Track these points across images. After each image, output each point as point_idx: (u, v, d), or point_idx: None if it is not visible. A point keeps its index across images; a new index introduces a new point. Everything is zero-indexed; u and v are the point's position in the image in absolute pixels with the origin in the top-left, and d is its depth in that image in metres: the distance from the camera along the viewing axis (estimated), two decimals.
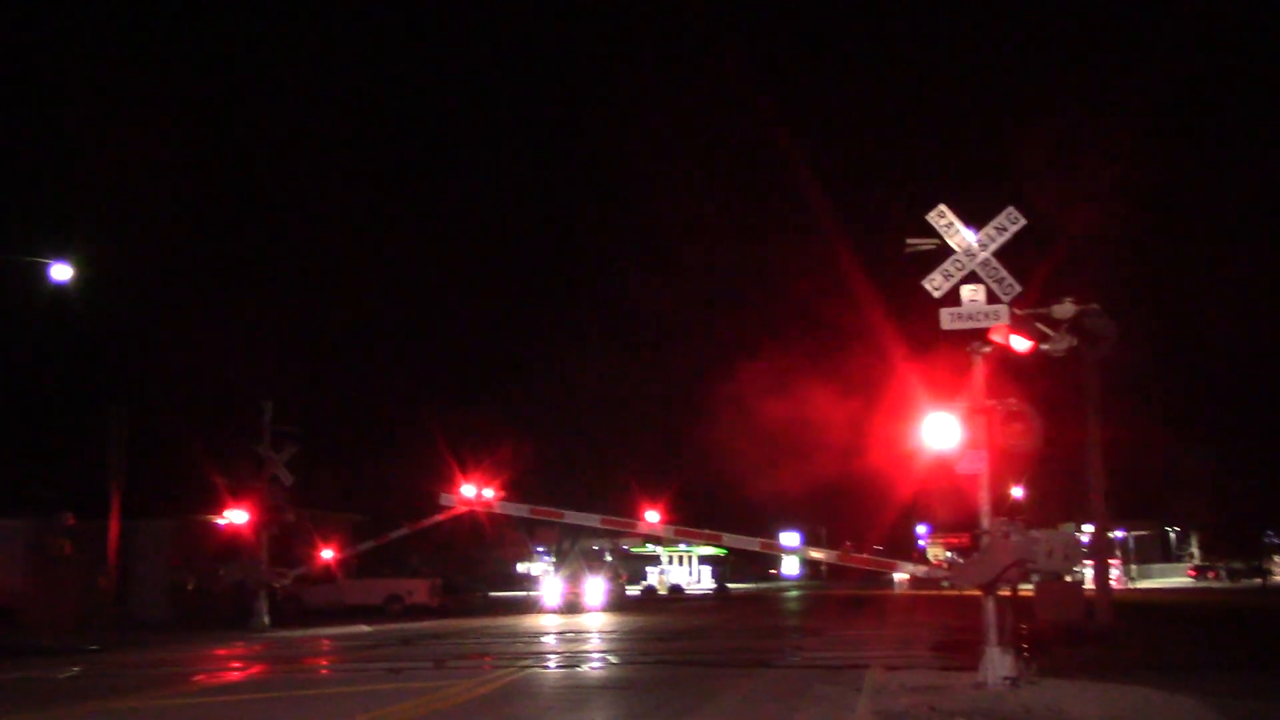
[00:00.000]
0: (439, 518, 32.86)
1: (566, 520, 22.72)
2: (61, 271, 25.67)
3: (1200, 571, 71.78)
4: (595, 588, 39.72)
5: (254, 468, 32.34)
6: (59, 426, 44.10)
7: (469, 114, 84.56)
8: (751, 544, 23.71)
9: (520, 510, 23.61)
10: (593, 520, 22.84)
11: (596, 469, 63.66)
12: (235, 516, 32.18)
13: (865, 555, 23.79)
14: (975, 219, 14.70)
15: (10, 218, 50.49)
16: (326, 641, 27.02)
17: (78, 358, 46.59)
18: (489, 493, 35.42)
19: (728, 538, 20.92)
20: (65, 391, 45.70)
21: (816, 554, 25.18)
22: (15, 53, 62.44)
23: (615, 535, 70.09)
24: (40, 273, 25.88)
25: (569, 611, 37.95)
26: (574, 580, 41.04)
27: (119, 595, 34.11)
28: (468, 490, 25.61)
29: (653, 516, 29.63)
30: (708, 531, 22.64)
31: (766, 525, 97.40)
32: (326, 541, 36.46)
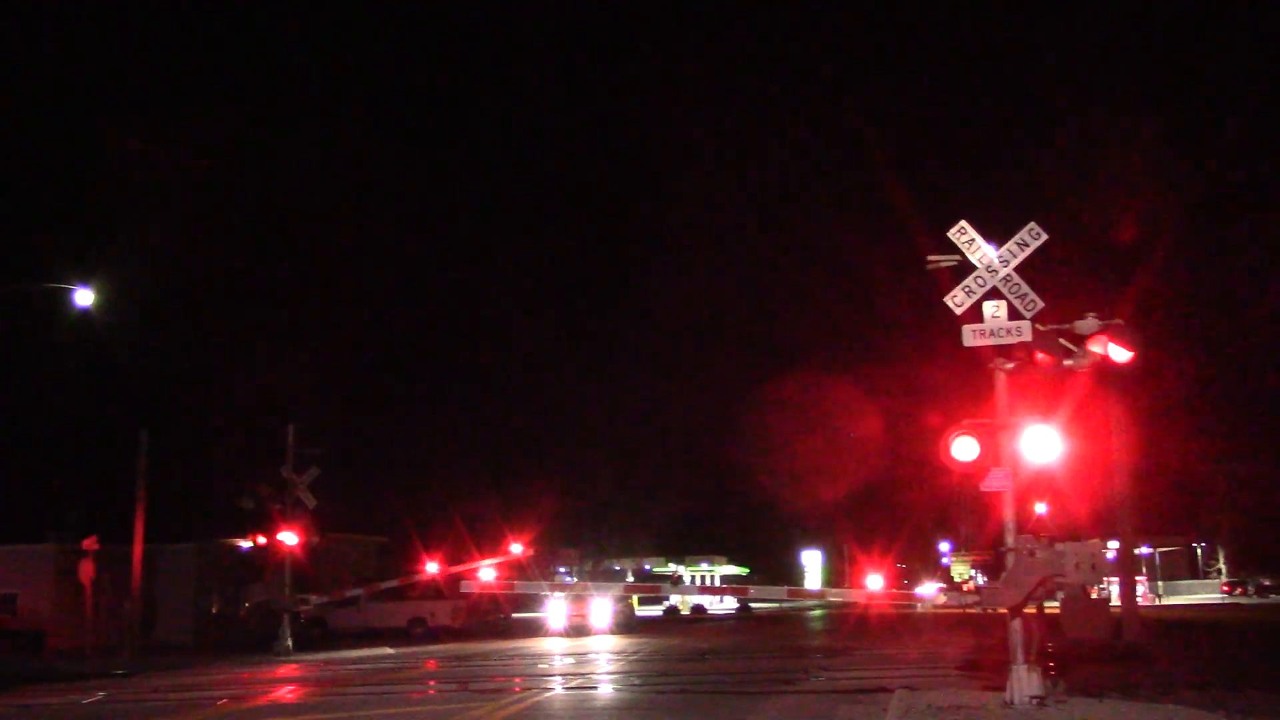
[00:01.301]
0: (462, 570, 33.38)
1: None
2: (85, 297, 25.88)
3: (1231, 587, 71.17)
4: (602, 609, 39.27)
5: (277, 491, 32.42)
6: (84, 452, 44.39)
7: (496, 137, 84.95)
8: (779, 594, 23.78)
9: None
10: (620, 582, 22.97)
11: (626, 503, 63.60)
12: (258, 540, 32.28)
13: (892, 591, 23.89)
14: (997, 235, 14.67)
15: (35, 243, 50.98)
16: (351, 664, 27.03)
17: (102, 383, 46.89)
18: (516, 548, 35.93)
19: (755, 590, 20.97)
20: (90, 417, 45.98)
21: (843, 595, 25.07)
22: (42, 80, 63.14)
23: (637, 555, 70.09)
24: (64, 298, 26.11)
25: (575, 634, 37.67)
26: (580, 602, 40.40)
27: (144, 619, 34.21)
28: (486, 574, 26.19)
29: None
30: (734, 586, 22.73)
31: (790, 542, 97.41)
32: (351, 567, 36.63)
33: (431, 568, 29.61)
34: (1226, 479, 60.04)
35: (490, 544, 46.87)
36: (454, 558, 43.02)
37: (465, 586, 27.13)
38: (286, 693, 20.24)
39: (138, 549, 31.86)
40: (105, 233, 55.96)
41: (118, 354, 44.30)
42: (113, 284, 28.90)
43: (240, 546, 39.86)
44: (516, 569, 40.35)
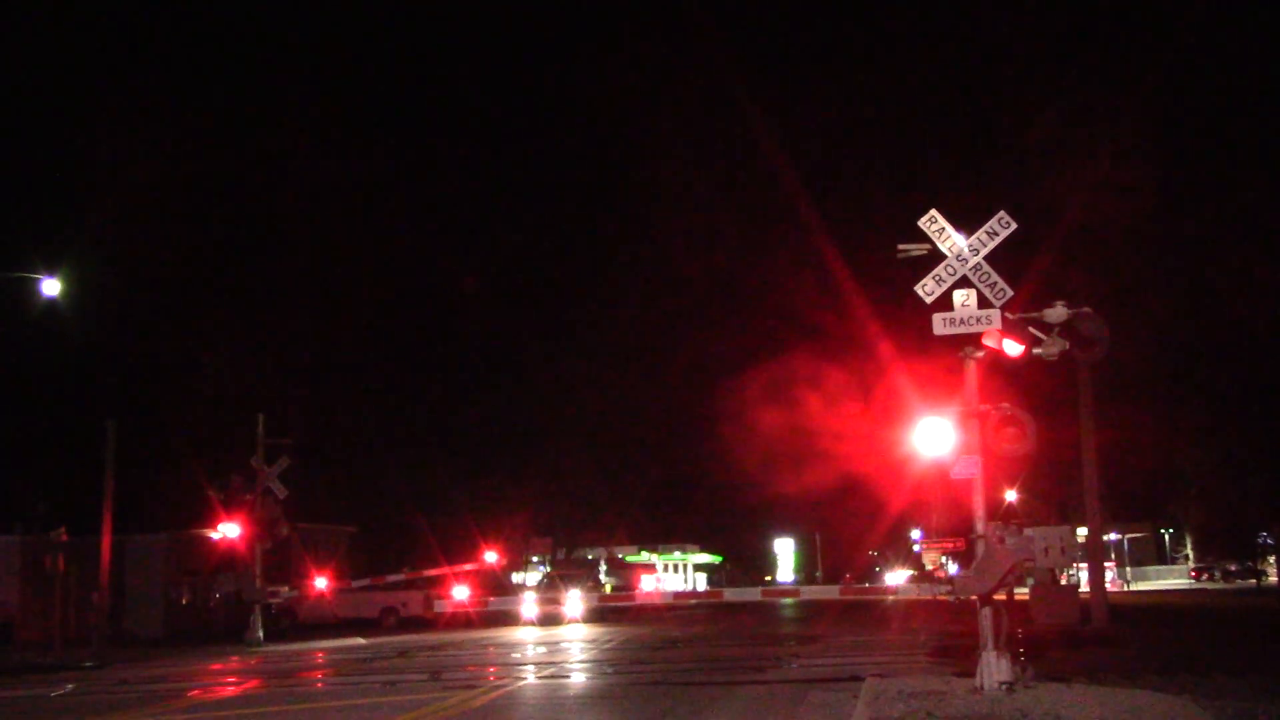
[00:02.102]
0: (438, 572, 33.51)
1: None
2: (52, 286, 25.63)
3: (1198, 573, 71.95)
4: (574, 599, 39.38)
5: (247, 481, 32.24)
6: (52, 442, 43.98)
7: (466, 133, 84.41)
8: (753, 594, 24.02)
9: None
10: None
11: (604, 490, 63.44)
12: (228, 530, 32.08)
13: (865, 585, 24.32)
14: (967, 224, 14.73)
15: (1, 232, 50.43)
16: (322, 655, 26.95)
17: (70, 373, 46.45)
18: (491, 556, 36.15)
19: (729, 593, 21.11)
20: (58, 407, 45.56)
21: (816, 590, 25.37)
22: (5, 65, 62.37)
23: (609, 544, 70.08)
24: (31, 288, 25.85)
25: (547, 624, 37.68)
26: (551, 591, 40.42)
27: (113, 611, 33.97)
28: (459, 593, 26.51)
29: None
30: (709, 590, 22.93)
31: (761, 531, 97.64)
32: (321, 556, 36.52)
33: (461, 593, 29.89)
34: (1194, 466, 60.57)
35: (460, 538, 46.89)
36: (425, 553, 43.09)
37: (439, 606, 27.43)
38: (257, 684, 20.15)
39: (106, 540, 31.62)
40: (72, 222, 55.39)
41: (85, 344, 43.88)
42: (80, 274, 28.67)
43: (210, 537, 39.65)
44: (490, 575, 40.43)
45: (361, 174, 75.43)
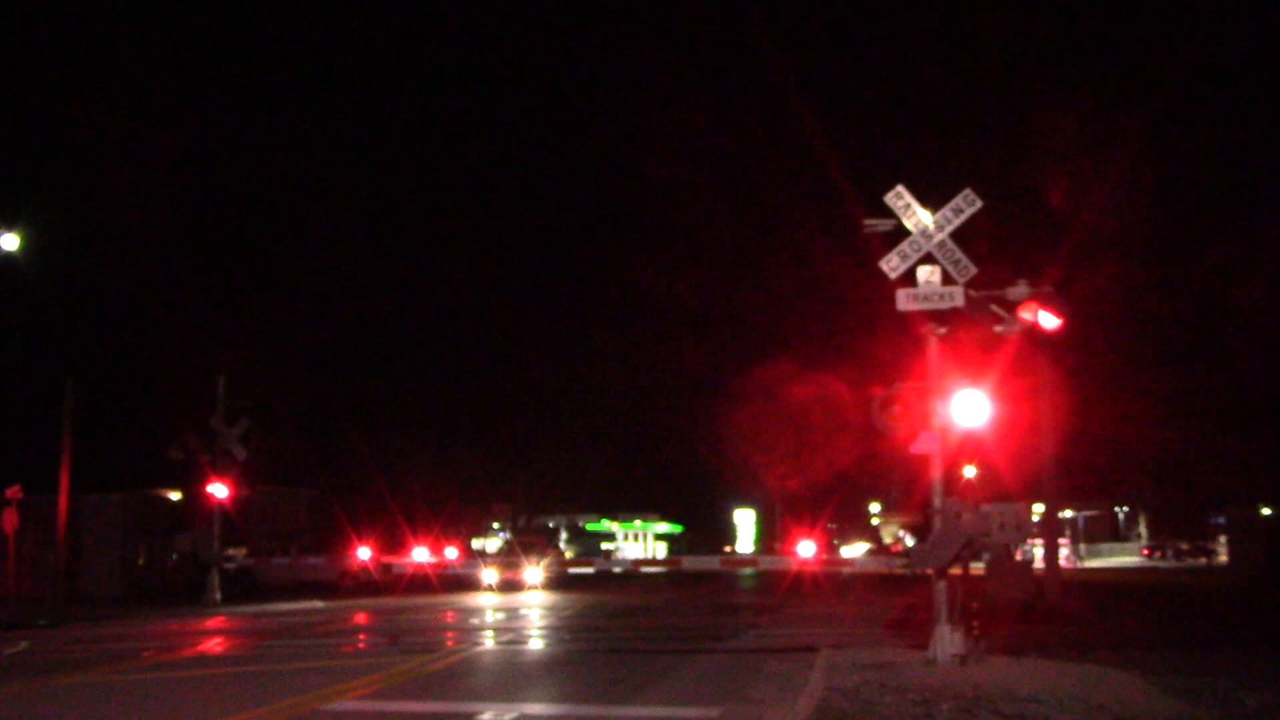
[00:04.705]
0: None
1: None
2: (8, 241, 25.29)
3: (1150, 551, 73.06)
4: (534, 566, 39.53)
5: (206, 443, 32.01)
6: (8, 399, 43.48)
7: (466, 97, 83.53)
8: (711, 564, 24.13)
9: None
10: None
11: (565, 458, 63.43)
12: (187, 491, 31.91)
13: (824, 557, 24.55)
14: (934, 201, 14.78)
15: None
16: (280, 618, 26.90)
17: (28, 330, 45.91)
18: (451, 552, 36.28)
19: (687, 561, 21.18)
20: (14, 364, 45.03)
21: (774, 561, 25.59)
22: None
23: (571, 512, 70.27)
24: None
25: (507, 589, 37.79)
26: (512, 558, 40.53)
27: (69, 570, 33.75)
28: (419, 554, 26.36)
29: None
30: (668, 559, 23.05)
31: (723, 501, 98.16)
32: (282, 519, 36.40)
33: (363, 553, 29.74)
34: (1149, 445, 61.32)
35: (424, 504, 46.87)
36: (387, 526, 42.99)
37: (398, 568, 27.27)
38: (214, 645, 20.12)
39: (63, 499, 31.36)
40: (32, 176, 54.56)
41: (43, 301, 43.37)
42: (38, 228, 28.25)
43: (168, 498, 39.40)
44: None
45: (328, 135, 74.71)
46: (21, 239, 25.51)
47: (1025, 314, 14.69)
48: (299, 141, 70.59)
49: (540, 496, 65.25)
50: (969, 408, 14.21)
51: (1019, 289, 14.73)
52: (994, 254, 16.20)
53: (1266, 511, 45.11)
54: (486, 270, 77.39)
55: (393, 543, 39.51)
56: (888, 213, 14.87)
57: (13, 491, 31.98)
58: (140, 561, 39.67)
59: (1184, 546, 68.34)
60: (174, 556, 38.08)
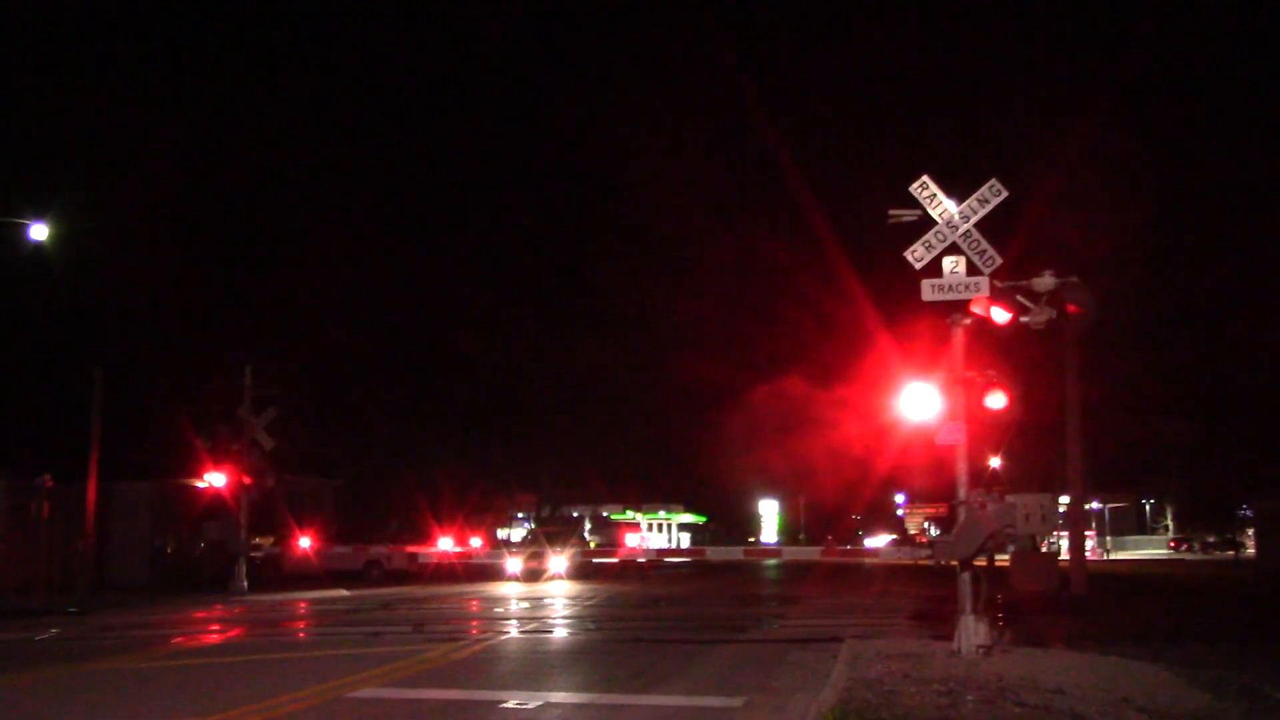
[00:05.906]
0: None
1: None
2: (39, 231, 25.49)
3: (1177, 543, 72.65)
4: (558, 555, 39.58)
5: (234, 432, 32.24)
6: (37, 388, 43.85)
7: (462, 115, 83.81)
8: (735, 554, 24.10)
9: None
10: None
11: (590, 449, 63.64)
12: (214, 480, 32.10)
13: (847, 546, 24.49)
14: (958, 191, 14.74)
15: None
16: (305, 606, 27.09)
17: (58, 319, 46.25)
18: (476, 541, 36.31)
19: (711, 551, 21.21)
20: (44, 353, 45.38)
21: (798, 551, 25.59)
22: None
23: (593, 502, 70.36)
24: (19, 232, 25.69)
25: (531, 579, 37.86)
26: (536, 547, 40.61)
27: (97, 557, 34.03)
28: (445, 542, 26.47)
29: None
30: (692, 549, 23.08)
31: (746, 493, 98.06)
32: (307, 508, 36.62)
33: (444, 543, 29.96)
34: (1176, 438, 60.93)
35: (447, 494, 47.07)
36: (412, 509, 43.23)
37: (423, 558, 27.48)
38: (241, 632, 20.28)
39: (92, 487, 31.62)
40: (62, 165, 54.90)
41: (73, 290, 43.67)
42: (68, 218, 28.44)
43: (196, 487, 39.66)
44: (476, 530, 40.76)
45: (364, 140, 75.06)
46: (51, 227, 25.69)
47: (1051, 305, 14.63)
48: (324, 138, 70.93)
49: (565, 486, 65.43)
50: (993, 398, 14.17)
51: (1045, 279, 14.66)
52: (1018, 243, 16.09)
53: None
54: (519, 266, 77.67)
55: (418, 533, 39.75)
56: (913, 203, 14.84)
57: (42, 480, 32.27)
58: (168, 549, 39.93)
59: (1211, 539, 67.95)
60: (201, 545, 38.36)
